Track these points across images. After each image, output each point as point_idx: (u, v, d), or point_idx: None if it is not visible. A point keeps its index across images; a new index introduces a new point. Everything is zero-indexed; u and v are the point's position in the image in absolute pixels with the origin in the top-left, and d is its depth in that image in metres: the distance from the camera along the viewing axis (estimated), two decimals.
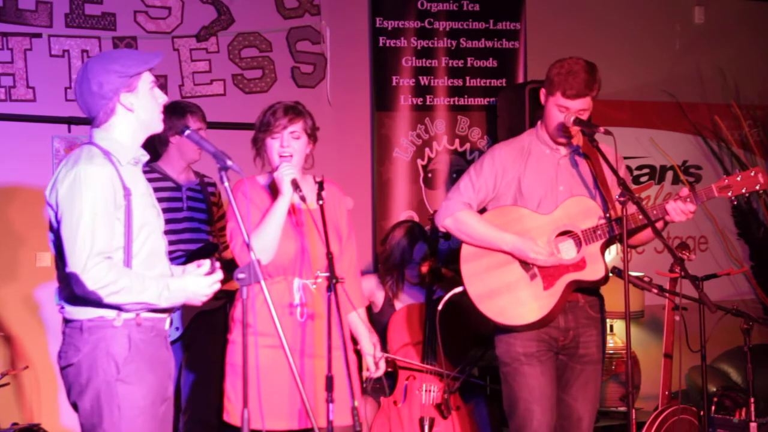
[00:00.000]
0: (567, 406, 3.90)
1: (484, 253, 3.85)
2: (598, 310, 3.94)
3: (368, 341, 3.84)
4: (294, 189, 3.46)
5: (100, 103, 3.06)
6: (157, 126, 3.16)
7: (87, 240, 2.91)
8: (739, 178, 3.75)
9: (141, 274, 3.01)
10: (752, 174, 3.75)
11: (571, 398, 3.89)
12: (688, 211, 3.72)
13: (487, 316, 3.82)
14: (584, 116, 3.79)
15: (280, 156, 3.57)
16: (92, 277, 2.90)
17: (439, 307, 3.99)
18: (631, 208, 3.66)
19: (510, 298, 3.81)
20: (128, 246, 3.02)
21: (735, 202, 3.89)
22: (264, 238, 3.48)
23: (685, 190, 3.76)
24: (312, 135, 3.65)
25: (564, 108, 3.77)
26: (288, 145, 3.58)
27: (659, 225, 3.77)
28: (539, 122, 3.94)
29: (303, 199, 3.45)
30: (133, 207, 3.03)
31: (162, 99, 3.15)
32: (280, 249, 3.53)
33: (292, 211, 3.60)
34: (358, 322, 3.83)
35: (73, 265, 2.92)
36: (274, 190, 3.60)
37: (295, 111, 3.61)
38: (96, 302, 2.95)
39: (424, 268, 4.97)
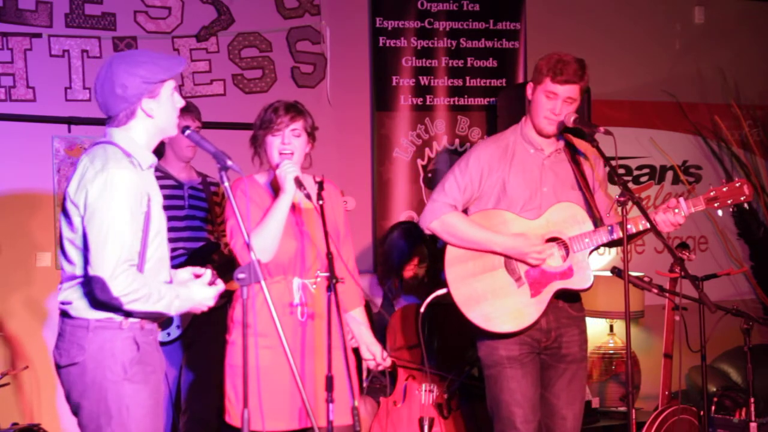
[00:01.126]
0: (551, 405, 3.89)
1: (470, 257, 3.83)
2: (578, 309, 3.94)
3: (370, 340, 3.83)
4: (297, 187, 3.45)
5: (122, 106, 3.06)
6: (172, 131, 3.17)
7: (117, 246, 2.92)
8: (725, 189, 3.80)
9: (157, 283, 3.04)
10: (737, 185, 3.80)
11: (554, 397, 3.89)
12: (676, 223, 3.75)
13: (473, 322, 3.80)
14: (571, 106, 3.76)
15: (281, 153, 3.56)
16: (119, 284, 2.91)
17: (422, 310, 3.97)
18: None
19: (496, 305, 3.79)
20: (143, 252, 3.03)
21: (721, 214, 3.93)
22: (265, 236, 3.47)
23: (673, 201, 3.78)
24: (311, 134, 3.65)
25: (552, 94, 3.75)
26: (289, 142, 3.57)
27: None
28: (523, 119, 3.91)
29: (308, 197, 3.44)
30: (152, 213, 3.05)
31: (180, 103, 3.16)
32: (281, 248, 3.52)
33: (293, 209, 3.59)
34: (357, 321, 3.83)
35: (100, 270, 2.92)
36: (274, 189, 3.60)
37: (296, 109, 3.62)
38: (114, 307, 2.96)
39: (409, 273, 4.97)
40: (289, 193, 3.48)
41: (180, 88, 5.47)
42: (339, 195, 3.81)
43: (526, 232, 3.78)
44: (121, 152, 3.04)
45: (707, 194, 3.81)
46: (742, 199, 3.80)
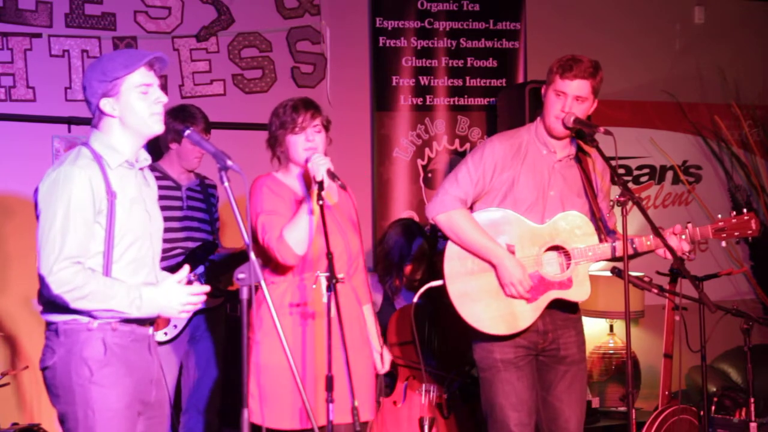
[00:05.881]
0: (553, 408, 3.88)
1: (471, 255, 3.81)
2: (574, 310, 3.92)
3: (376, 339, 3.83)
4: (331, 178, 3.45)
5: (89, 107, 3.04)
6: (151, 129, 3.05)
7: (57, 243, 2.87)
8: (734, 221, 3.83)
9: (112, 281, 2.94)
10: (746, 219, 3.83)
11: (556, 400, 3.88)
12: (680, 249, 3.75)
13: (465, 320, 3.79)
14: (581, 105, 3.73)
15: (306, 151, 3.57)
16: (57, 280, 2.86)
17: (415, 299, 3.97)
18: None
19: (491, 306, 3.78)
20: (108, 252, 2.96)
21: (724, 245, 3.96)
22: (300, 229, 3.49)
23: (679, 227, 3.78)
24: (328, 129, 3.67)
25: (561, 93, 3.73)
26: (313, 139, 3.59)
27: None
28: (538, 120, 3.89)
29: (343, 187, 3.46)
30: (116, 211, 2.97)
31: (158, 100, 3.04)
32: (316, 245, 3.54)
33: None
34: (367, 317, 3.83)
35: (42, 267, 2.89)
36: (306, 183, 3.61)
37: (314, 106, 3.65)
38: (64, 306, 2.90)
39: (408, 269, 4.96)
40: (325, 185, 3.46)
41: (180, 88, 5.47)
42: (350, 192, 3.82)
43: (524, 240, 3.77)
44: (87, 152, 3.00)
45: (715, 224, 3.83)
46: (748, 233, 3.83)
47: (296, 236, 3.48)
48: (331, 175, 3.45)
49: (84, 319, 2.95)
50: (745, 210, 3.87)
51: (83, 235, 2.92)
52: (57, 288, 2.87)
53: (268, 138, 3.68)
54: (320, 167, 3.45)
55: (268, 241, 3.53)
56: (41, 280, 2.91)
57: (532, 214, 3.80)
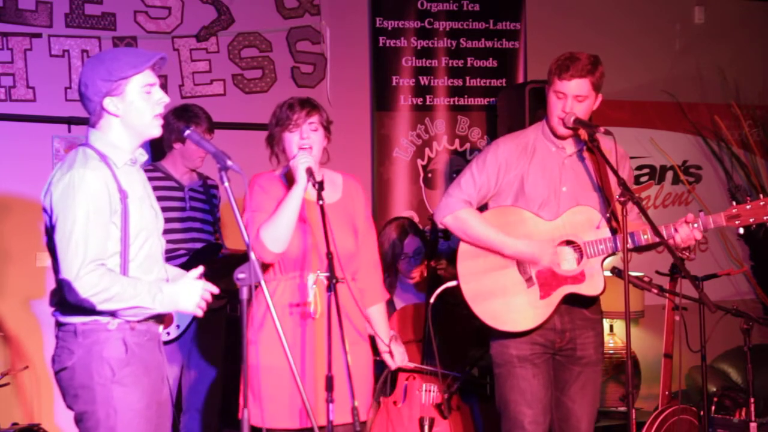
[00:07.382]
0: (565, 408, 3.87)
1: (482, 254, 3.81)
2: (595, 311, 3.91)
3: (385, 336, 3.81)
4: (308, 177, 3.44)
5: (89, 105, 3.02)
6: (152, 131, 3.06)
7: (80, 247, 2.87)
8: (748, 207, 3.71)
9: (134, 279, 2.96)
10: (761, 204, 3.71)
11: (569, 400, 3.87)
12: (692, 237, 3.69)
13: (480, 318, 3.79)
14: (582, 104, 3.72)
15: (300, 148, 3.55)
16: (85, 284, 2.86)
17: (432, 300, 3.96)
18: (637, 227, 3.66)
19: (504, 303, 3.77)
20: (125, 251, 2.97)
21: (742, 232, 3.86)
22: (276, 227, 3.46)
23: (691, 215, 3.71)
24: (327, 128, 3.65)
25: (561, 94, 3.71)
26: (308, 137, 3.57)
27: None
28: (544, 119, 3.88)
29: (314, 186, 3.40)
30: (129, 210, 2.98)
31: (161, 101, 3.05)
32: (297, 243, 3.52)
33: (310, 205, 3.56)
34: (376, 316, 3.80)
35: (66, 272, 2.88)
36: (289, 181, 3.59)
37: (311, 104, 3.62)
38: (89, 308, 2.91)
39: (416, 273, 4.96)
40: (301, 183, 3.45)
41: (180, 88, 5.47)
42: (360, 190, 3.80)
43: (535, 237, 3.75)
44: (93, 152, 2.99)
45: (729, 211, 3.72)
46: (765, 218, 3.70)
47: (272, 235, 3.44)
48: (309, 174, 3.44)
49: (104, 319, 2.96)
50: (761, 195, 3.78)
51: (103, 237, 2.92)
52: (84, 292, 2.87)
53: (267, 136, 3.68)
54: (300, 165, 3.45)
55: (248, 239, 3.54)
56: (66, 284, 2.89)
57: (546, 211, 3.79)
